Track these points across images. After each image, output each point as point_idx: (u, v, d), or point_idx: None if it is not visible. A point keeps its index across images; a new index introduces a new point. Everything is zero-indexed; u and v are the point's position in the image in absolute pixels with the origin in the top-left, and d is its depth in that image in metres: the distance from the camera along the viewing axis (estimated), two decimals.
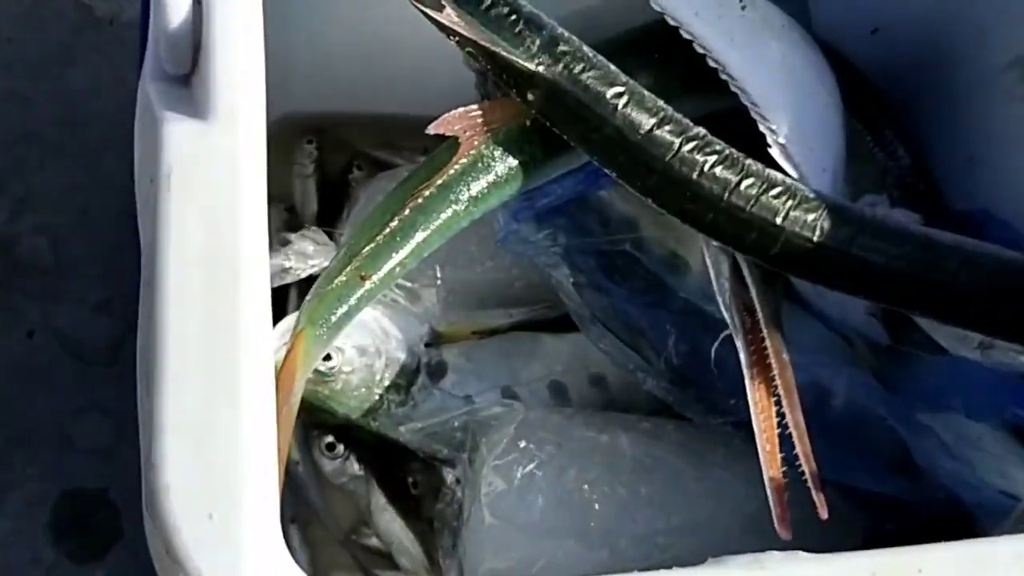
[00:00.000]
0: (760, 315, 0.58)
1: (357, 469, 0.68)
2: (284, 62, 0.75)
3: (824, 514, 0.49)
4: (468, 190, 0.55)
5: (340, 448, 0.68)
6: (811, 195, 0.57)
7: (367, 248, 0.52)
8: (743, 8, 0.63)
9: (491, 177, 0.55)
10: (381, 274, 0.52)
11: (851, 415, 0.65)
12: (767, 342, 0.57)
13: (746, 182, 0.56)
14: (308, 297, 0.52)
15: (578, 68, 0.54)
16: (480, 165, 0.55)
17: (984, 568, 0.37)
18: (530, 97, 0.55)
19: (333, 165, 0.81)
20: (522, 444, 0.61)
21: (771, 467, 0.52)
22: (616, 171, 0.56)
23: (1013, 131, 0.75)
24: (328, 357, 0.62)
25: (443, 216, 0.54)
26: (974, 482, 0.59)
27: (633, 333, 0.65)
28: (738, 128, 0.62)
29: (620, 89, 0.55)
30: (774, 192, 0.56)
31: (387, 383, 0.65)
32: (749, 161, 0.57)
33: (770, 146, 0.61)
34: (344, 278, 0.51)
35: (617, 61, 0.63)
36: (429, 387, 0.66)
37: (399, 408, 0.65)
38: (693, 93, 0.64)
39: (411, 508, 0.68)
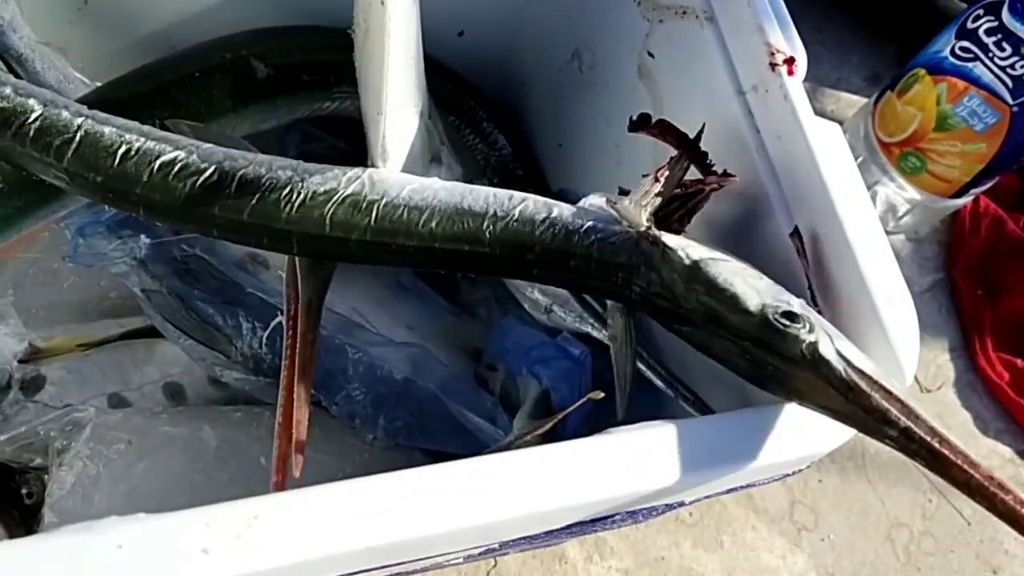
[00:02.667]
0: (300, 298, 0.63)
1: None
2: None
3: (297, 473, 0.55)
4: None
5: None
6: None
7: None
8: None
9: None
10: None
11: (426, 391, 0.72)
12: (298, 322, 0.62)
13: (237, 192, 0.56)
14: None
15: (19, 120, 0.54)
16: None
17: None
18: None
19: None
20: (91, 446, 0.65)
21: (279, 438, 0.58)
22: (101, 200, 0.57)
23: (583, 118, 0.83)
24: None
25: None
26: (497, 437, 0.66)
27: (209, 331, 0.70)
28: None
29: (70, 135, 0.54)
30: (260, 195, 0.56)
31: None
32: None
33: None
34: None
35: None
36: (22, 401, 0.70)
37: None
38: (243, 109, 0.70)
39: (22, 518, 0.71)
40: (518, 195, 0.58)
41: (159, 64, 0.69)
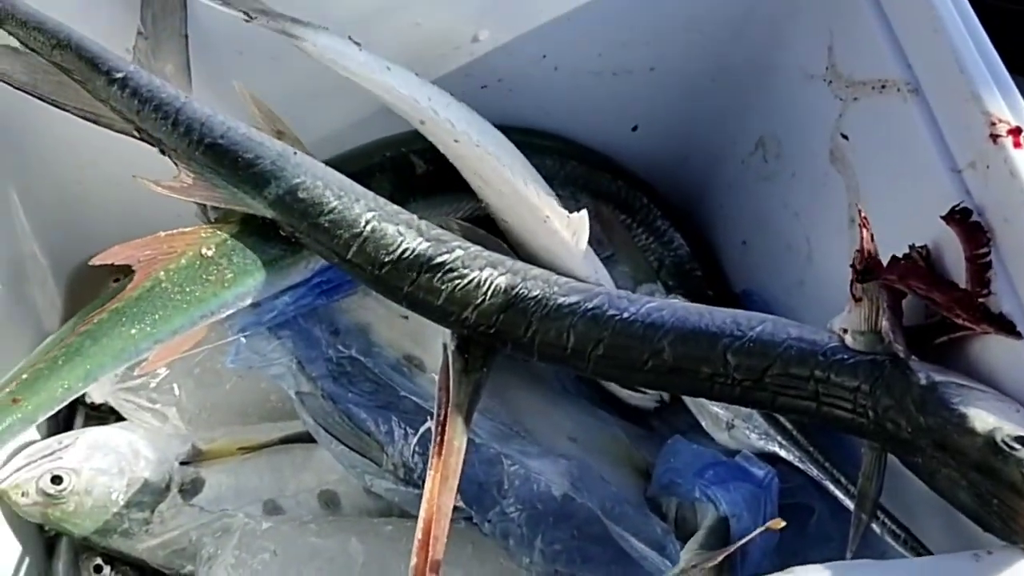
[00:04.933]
0: (451, 402, 0.59)
1: None
2: (89, 206, 0.82)
3: None
4: (144, 314, 0.58)
5: (107, 570, 0.70)
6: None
7: (27, 373, 0.56)
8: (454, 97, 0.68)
9: (170, 301, 0.59)
10: (40, 398, 0.55)
11: (586, 510, 0.65)
12: (447, 427, 0.58)
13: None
14: None
15: (315, 212, 0.60)
16: (158, 290, 0.59)
17: None
18: (282, 233, 0.62)
19: None
20: (236, 555, 0.62)
21: (417, 555, 0.52)
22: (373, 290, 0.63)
23: (769, 211, 0.76)
24: (58, 480, 0.65)
25: (115, 339, 0.58)
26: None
27: (361, 436, 0.67)
28: None
29: (357, 231, 0.60)
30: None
31: (129, 503, 0.67)
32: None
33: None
34: None
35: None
36: (180, 504, 0.69)
37: (142, 527, 0.67)
38: (403, 205, 0.68)
39: None
40: (756, 316, 0.57)
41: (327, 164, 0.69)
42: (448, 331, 0.63)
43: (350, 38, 0.65)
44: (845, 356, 0.52)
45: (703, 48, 0.74)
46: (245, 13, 0.63)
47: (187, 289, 0.60)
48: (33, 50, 0.60)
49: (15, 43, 0.60)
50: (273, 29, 0.64)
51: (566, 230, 0.67)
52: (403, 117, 0.68)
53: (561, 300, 0.59)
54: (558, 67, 0.74)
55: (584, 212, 0.67)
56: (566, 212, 0.67)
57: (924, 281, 0.52)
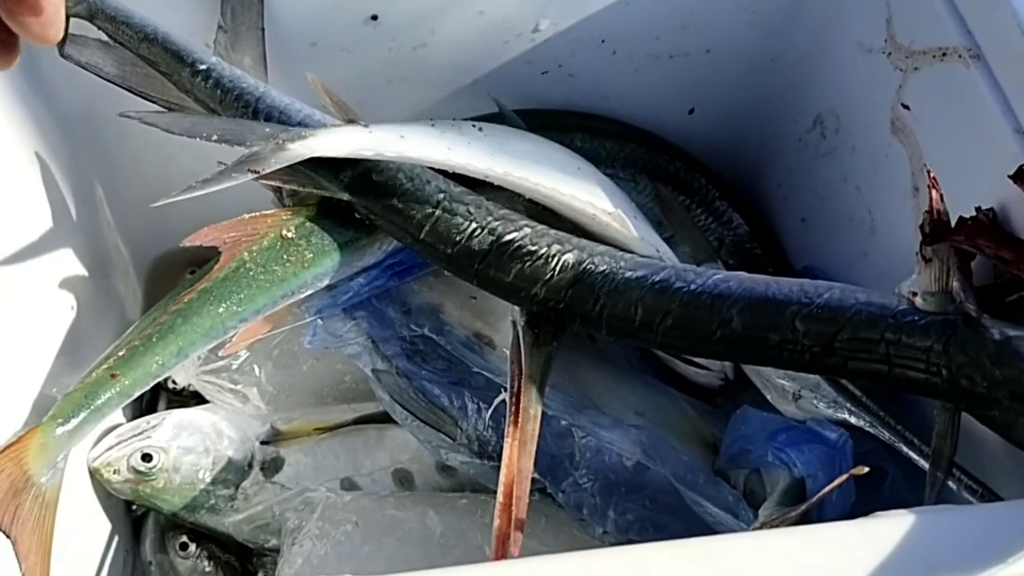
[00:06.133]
0: (524, 374, 0.61)
1: (208, 566, 0.73)
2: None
3: (515, 552, 0.51)
4: (230, 293, 0.61)
5: (193, 547, 0.73)
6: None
7: (123, 350, 0.58)
8: (480, 130, 0.68)
9: (254, 281, 0.62)
10: (136, 373, 0.58)
11: (659, 479, 0.66)
12: (521, 396, 0.59)
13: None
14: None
15: (388, 194, 0.63)
16: (242, 270, 0.62)
17: None
18: (357, 216, 0.65)
19: None
20: (320, 526, 0.65)
21: (499, 516, 0.54)
22: (445, 269, 0.65)
23: (829, 187, 0.77)
24: (148, 457, 0.68)
25: (204, 318, 0.60)
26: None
27: (435, 412, 0.69)
28: None
29: (429, 211, 0.63)
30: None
31: (214, 480, 0.70)
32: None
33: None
34: (94, 377, 0.57)
35: None
36: (262, 482, 0.71)
37: (228, 503, 0.70)
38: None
39: None
40: (823, 284, 0.58)
41: None
42: (517, 308, 0.65)
43: (356, 122, 0.64)
44: (916, 317, 0.52)
45: (759, 29, 0.75)
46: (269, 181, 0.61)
47: (270, 269, 0.63)
48: (121, 44, 0.63)
49: (104, 37, 0.64)
50: (293, 159, 0.60)
51: (616, 223, 0.68)
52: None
53: (628, 274, 0.61)
54: (616, 51, 0.76)
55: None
56: (610, 207, 0.68)
57: (993, 240, 0.53)
